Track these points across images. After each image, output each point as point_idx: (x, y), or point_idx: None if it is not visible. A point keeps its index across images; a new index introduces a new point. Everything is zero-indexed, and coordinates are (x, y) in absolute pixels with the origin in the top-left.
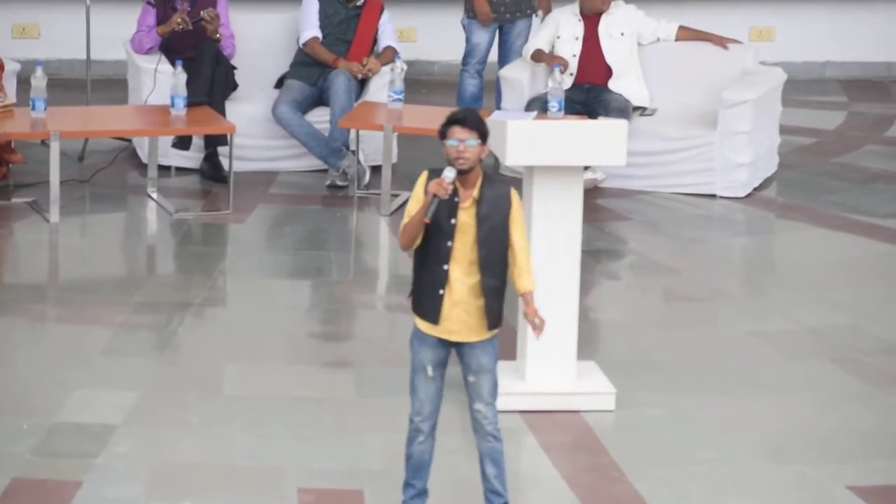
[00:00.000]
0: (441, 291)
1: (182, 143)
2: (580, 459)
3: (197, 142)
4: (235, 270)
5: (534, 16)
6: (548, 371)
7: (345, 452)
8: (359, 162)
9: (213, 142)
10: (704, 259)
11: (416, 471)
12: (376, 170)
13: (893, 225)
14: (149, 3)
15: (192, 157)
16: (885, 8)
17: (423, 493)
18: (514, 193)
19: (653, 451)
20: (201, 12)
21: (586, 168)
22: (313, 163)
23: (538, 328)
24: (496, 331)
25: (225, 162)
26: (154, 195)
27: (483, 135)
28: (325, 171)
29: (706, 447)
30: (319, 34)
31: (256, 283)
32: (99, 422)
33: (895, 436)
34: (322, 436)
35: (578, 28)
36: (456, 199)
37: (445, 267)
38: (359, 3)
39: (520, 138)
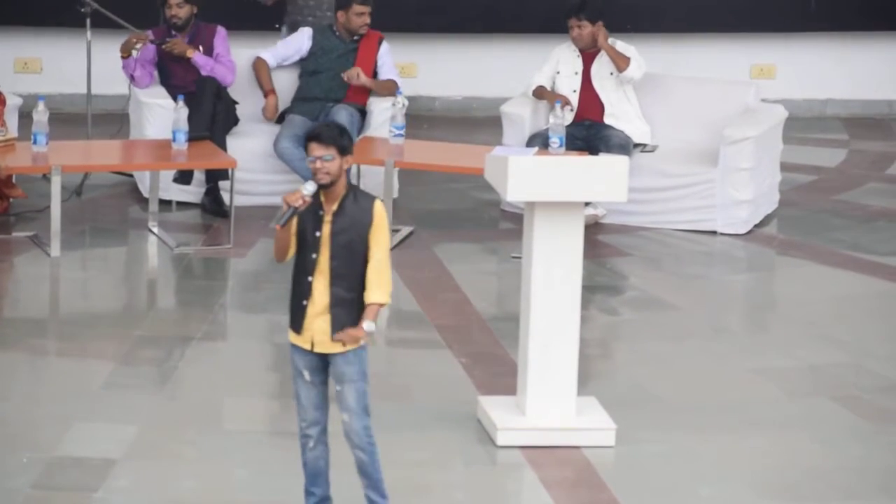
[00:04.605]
0: (304, 302)
1: (183, 177)
2: (580, 495)
3: (198, 176)
4: (236, 305)
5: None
6: (548, 406)
7: (344, 487)
8: None
9: (215, 176)
10: (705, 295)
11: (314, 478)
12: None
13: (894, 263)
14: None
15: (193, 192)
16: (886, 46)
17: (325, 500)
18: (377, 208)
19: (653, 487)
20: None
21: (587, 204)
22: None
23: (341, 338)
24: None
25: (226, 196)
26: (155, 229)
27: (342, 147)
28: None
29: (706, 484)
30: (273, 62)
31: (257, 317)
32: (99, 456)
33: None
34: None
35: (578, 64)
36: (321, 213)
37: (309, 279)
38: (355, 38)
39: (521, 174)
